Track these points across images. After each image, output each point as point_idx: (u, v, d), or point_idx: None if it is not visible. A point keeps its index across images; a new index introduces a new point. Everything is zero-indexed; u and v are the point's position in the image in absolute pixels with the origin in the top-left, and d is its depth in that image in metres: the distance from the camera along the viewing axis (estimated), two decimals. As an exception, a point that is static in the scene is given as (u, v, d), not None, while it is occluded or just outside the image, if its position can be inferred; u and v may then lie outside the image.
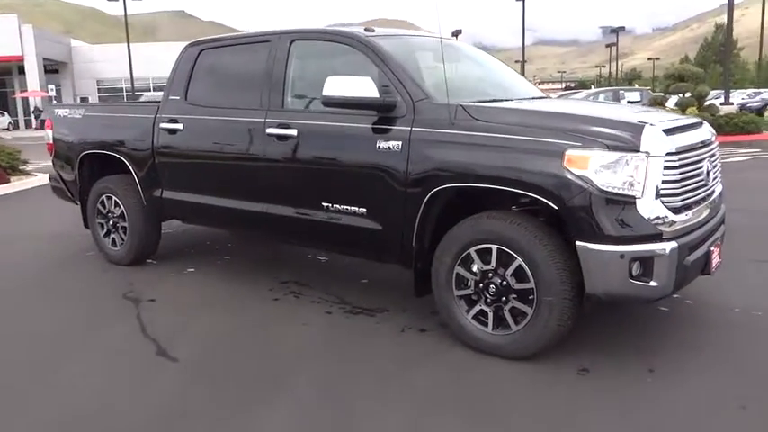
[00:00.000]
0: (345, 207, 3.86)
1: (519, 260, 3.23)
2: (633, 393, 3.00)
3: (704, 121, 3.93)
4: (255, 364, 3.42)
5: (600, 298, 3.13)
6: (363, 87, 3.57)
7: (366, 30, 4.11)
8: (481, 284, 3.40)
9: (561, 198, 3.06)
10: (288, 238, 4.53)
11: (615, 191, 3.02)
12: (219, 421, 2.82)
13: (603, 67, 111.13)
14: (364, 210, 3.78)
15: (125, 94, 45.38)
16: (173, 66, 4.93)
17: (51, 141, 5.84)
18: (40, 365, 3.46)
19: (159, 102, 5.02)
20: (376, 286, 4.72)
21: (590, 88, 48.87)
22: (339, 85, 3.59)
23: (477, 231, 3.36)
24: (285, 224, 4.22)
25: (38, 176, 12.29)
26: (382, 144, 3.62)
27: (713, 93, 21.70)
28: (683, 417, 2.79)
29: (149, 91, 41.97)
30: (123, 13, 36.93)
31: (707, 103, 18.47)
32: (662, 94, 21.91)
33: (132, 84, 33.30)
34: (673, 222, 3.12)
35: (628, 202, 3.04)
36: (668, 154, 3.13)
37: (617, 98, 21.59)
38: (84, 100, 45.21)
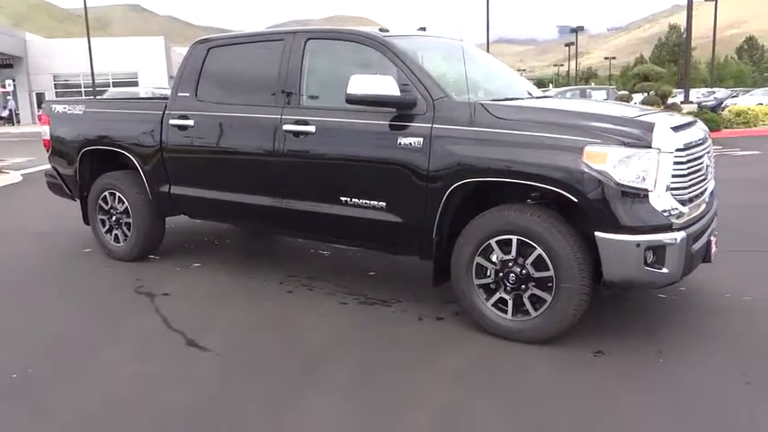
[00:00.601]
0: (364, 201, 4.00)
1: (539, 250, 3.43)
2: (647, 373, 3.22)
3: (698, 120, 4.19)
4: (286, 351, 3.54)
5: (616, 284, 3.35)
6: (386, 86, 3.71)
7: (381, 30, 4.25)
8: (501, 273, 3.59)
9: (581, 191, 3.26)
10: (304, 232, 4.64)
11: (630, 184, 3.24)
12: (269, 405, 2.93)
13: (562, 65, 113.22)
14: (384, 204, 3.93)
15: (83, 90, 44.37)
16: (181, 63, 4.98)
17: (48, 138, 5.81)
18: (74, 358, 3.50)
19: (160, 98, 5.07)
20: (384, 278, 4.88)
21: (548, 87, 49.81)
22: (363, 84, 3.73)
23: (497, 223, 3.55)
24: (301, 218, 4.33)
25: (9, 174, 12.07)
26: (403, 140, 3.77)
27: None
28: (696, 393, 3.02)
29: (109, 87, 41.21)
30: (74, 7, 35.96)
31: (670, 102, 19.11)
32: (627, 92, 22.54)
33: (93, 80, 32.57)
34: (682, 214, 3.36)
35: (642, 194, 3.26)
36: (677, 150, 3.37)
37: (584, 96, 22.18)
38: (40, 96, 44.07)
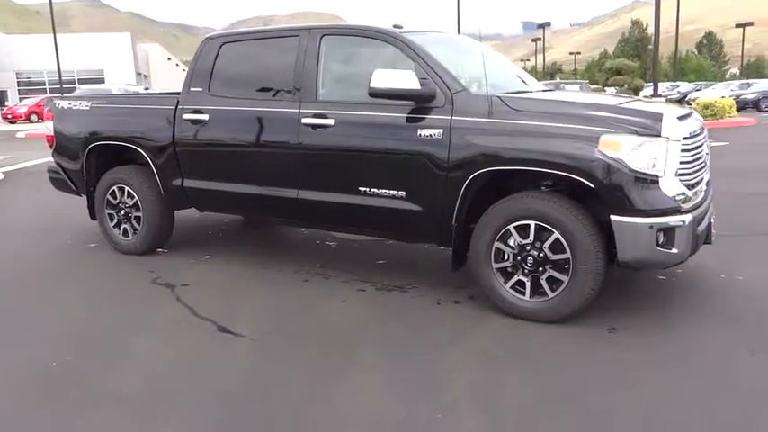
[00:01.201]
0: (384, 191, 4.16)
1: (556, 234, 3.64)
2: (659, 346, 3.46)
3: (694, 111, 4.45)
4: (317, 335, 3.69)
5: (629, 264, 3.59)
6: (406, 80, 3.88)
7: (395, 26, 4.41)
8: (519, 257, 3.79)
9: (598, 178, 3.48)
10: (320, 222, 4.77)
11: (643, 170, 3.47)
12: (315, 384, 3.08)
13: (528, 60, 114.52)
14: (403, 193, 4.10)
15: (47, 87, 43.48)
16: (192, 59, 5.07)
17: (52, 133, 5.84)
18: (109, 346, 3.60)
19: (170, 93, 5.16)
20: (394, 266, 5.04)
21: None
22: (385, 78, 3.89)
23: (516, 210, 3.75)
24: (318, 209, 4.48)
25: (-10, 172, 11.90)
26: (423, 132, 3.94)
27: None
28: (706, 362, 3.27)
29: (74, 84, 40.49)
30: (31, 3, 35.20)
31: (641, 95, 19.67)
32: (599, 86, 23.07)
33: (60, 77, 31.95)
34: (688, 198, 3.61)
35: (653, 180, 3.49)
36: (684, 138, 3.62)
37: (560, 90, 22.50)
38: (2, 93, 43.11)
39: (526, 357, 3.37)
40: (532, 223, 3.71)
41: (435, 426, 2.71)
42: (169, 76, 60.93)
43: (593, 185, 3.51)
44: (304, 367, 3.28)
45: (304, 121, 4.37)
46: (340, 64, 4.57)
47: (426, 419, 2.76)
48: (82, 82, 41.04)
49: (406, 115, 4.03)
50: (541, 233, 3.71)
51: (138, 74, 48.10)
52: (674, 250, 3.52)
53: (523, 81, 5.05)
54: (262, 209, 4.87)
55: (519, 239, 3.77)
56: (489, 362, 3.32)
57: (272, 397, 2.98)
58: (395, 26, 4.42)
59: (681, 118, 3.76)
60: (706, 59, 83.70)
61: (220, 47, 4.93)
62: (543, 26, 49.80)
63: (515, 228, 3.77)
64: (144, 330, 3.84)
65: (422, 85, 3.92)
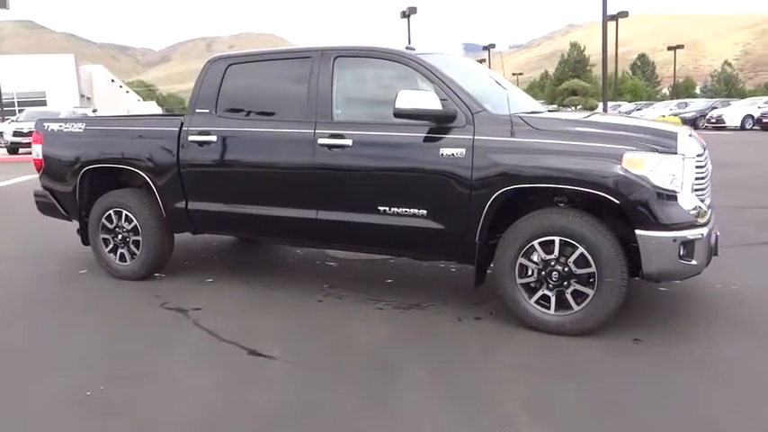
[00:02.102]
0: (405, 209, 4.21)
1: (581, 249, 3.76)
2: (682, 354, 3.61)
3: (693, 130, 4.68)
4: (351, 355, 3.69)
5: (653, 276, 3.74)
6: (429, 100, 3.97)
7: (407, 48, 4.50)
8: (543, 272, 3.89)
9: (623, 194, 3.62)
10: (337, 242, 4.75)
11: (664, 186, 3.63)
12: (367, 403, 3.09)
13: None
14: (425, 211, 4.15)
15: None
16: (196, 80, 5.02)
17: (40, 157, 5.66)
18: (140, 372, 3.51)
19: (173, 114, 5.09)
20: (402, 285, 5.07)
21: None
22: (409, 98, 3.96)
23: (540, 226, 3.85)
24: (336, 229, 4.49)
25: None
26: (446, 151, 4.02)
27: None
28: (730, 365, 3.45)
29: (14, 107, 39.12)
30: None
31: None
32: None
33: (0, 99, 30.80)
34: (703, 212, 3.79)
35: (673, 196, 3.66)
36: (697, 155, 3.81)
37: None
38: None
39: (563, 369, 3.45)
40: (557, 239, 3.82)
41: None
42: (113, 98, 59.42)
43: (618, 201, 3.64)
44: (350, 387, 3.27)
45: (320, 141, 4.39)
46: (355, 85, 4.63)
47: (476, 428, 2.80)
48: (23, 105, 39.60)
49: (427, 135, 4.10)
50: (565, 248, 3.82)
51: (82, 96, 46.74)
52: (694, 262, 3.68)
53: (533, 103, 5.21)
54: (276, 230, 4.83)
55: (543, 255, 3.87)
56: (529, 375, 3.39)
57: (330, 417, 2.97)
58: (407, 48, 4.51)
59: (690, 136, 3.96)
60: (641, 80, 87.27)
61: (226, 68, 4.91)
62: (489, 48, 51.09)
63: (540, 243, 3.87)
64: (172, 356, 3.75)
65: (443, 105, 4.01)
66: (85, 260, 5.97)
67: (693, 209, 3.73)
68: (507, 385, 3.27)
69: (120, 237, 5.36)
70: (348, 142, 4.32)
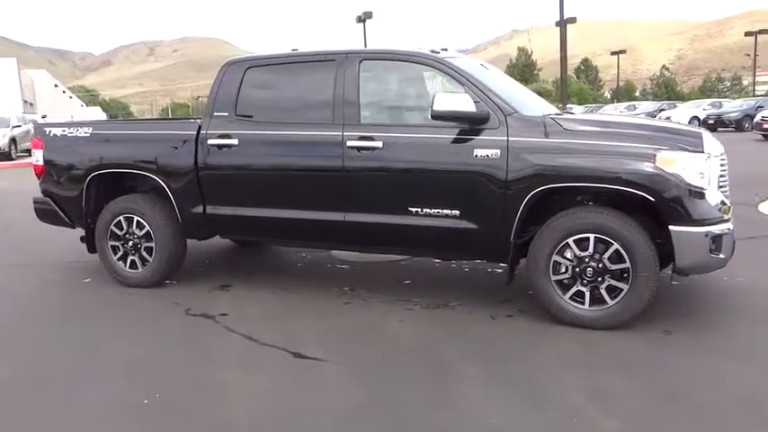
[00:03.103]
0: (437, 210, 4.27)
1: (616, 245, 3.89)
2: (718, 345, 3.79)
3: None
4: (398, 355, 3.73)
5: (685, 270, 3.91)
6: (464, 102, 4.04)
7: (432, 51, 4.57)
8: (577, 269, 4.01)
9: (658, 192, 3.77)
10: (370, 243, 4.76)
11: (694, 183, 3.80)
12: (433, 403, 3.13)
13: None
14: (457, 212, 4.22)
15: None
16: (213, 83, 4.97)
17: (42, 163, 5.49)
18: (191, 378, 3.46)
19: (189, 118, 5.02)
20: (423, 285, 5.13)
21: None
22: (446, 101, 4.02)
23: (575, 224, 3.97)
24: (366, 230, 4.51)
25: None
26: (480, 152, 4.10)
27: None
28: (758, 350, 3.64)
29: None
30: None
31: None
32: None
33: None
34: (727, 208, 3.98)
35: (701, 193, 3.83)
36: (720, 154, 4.00)
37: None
38: None
39: (609, 362, 3.57)
40: (592, 236, 3.95)
41: (579, 428, 2.84)
42: (56, 104, 57.37)
43: (653, 199, 3.79)
44: (411, 386, 3.31)
45: (349, 143, 4.41)
46: (381, 87, 4.67)
47: (565, 424, 2.88)
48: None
49: (460, 137, 4.18)
50: (598, 245, 3.95)
51: (25, 102, 44.94)
52: (722, 255, 3.87)
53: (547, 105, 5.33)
54: (301, 232, 4.81)
55: (578, 252, 3.99)
56: (578, 368, 3.49)
57: (403, 415, 3.00)
58: (432, 51, 4.57)
59: (711, 137, 4.15)
60: (585, 84, 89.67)
61: (245, 71, 4.87)
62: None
63: (574, 241, 3.99)
64: (218, 361, 3.71)
65: (476, 107, 4.09)
66: (87, 268, 5.84)
67: (718, 205, 3.92)
68: (561, 378, 3.36)
69: (130, 243, 5.24)
70: (378, 144, 4.35)
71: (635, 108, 35.16)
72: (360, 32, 37.90)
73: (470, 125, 4.15)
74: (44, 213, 5.68)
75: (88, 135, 5.31)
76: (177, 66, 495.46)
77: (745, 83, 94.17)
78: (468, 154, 4.14)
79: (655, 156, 3.80)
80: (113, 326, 4.42)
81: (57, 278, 5.71)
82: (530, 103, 4.61)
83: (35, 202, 5.71)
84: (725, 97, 55.98)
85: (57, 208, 5.53)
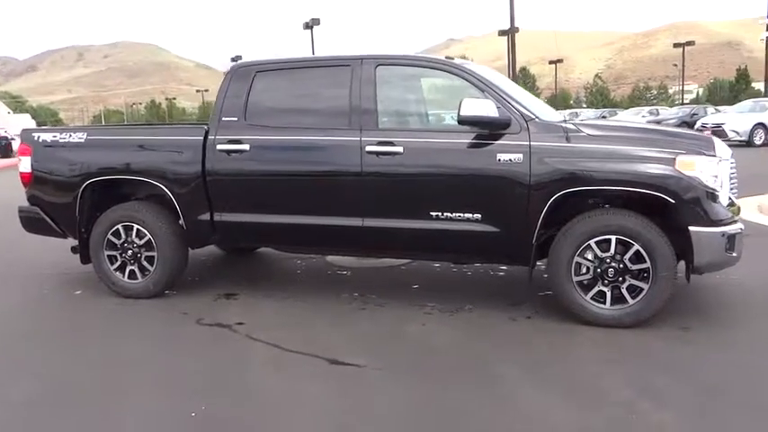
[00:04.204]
0: (458, 214, 4.30)
1: (636, 246, 4.02)
2: (733, 340, 3.96)
3: None
4: (435, 359, 3.73)
5: (703, 269, 4.07)
6: (488, 108, 4.10)
7: (447, 57, 4.61)
8: (599, 269, 4.11)
9: (678, 194, 3.91)
10: (388, 248, 4.74)
11: (710, 185, 3.97)
12: (487, 405, 3.15)
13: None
14: (479, 215, 4.27)
15: None
16: (219, 88, 4.86)
17: (29, 170, 5.23)
18: (229, 388, 3.36)
19: (194, 123, 4.90)
20: (429, 290, 5.13)
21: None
22: (472, 106, 4.07)
23: (597, 226, 4.08)
24: (385, 235, 4.50)
25: None
26: (503, 157, 4.16)
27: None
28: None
29: None
30: None
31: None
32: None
33: None
34: (736, 208, 4.18)
35: (715, 194, 4.00)
36: (731, 157, 4.20)
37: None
38: None
39: (643, 359, 3.67)
40: (613, 237, 4.06)
41: (640, 423, 2.92)
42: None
43: (673, 201, 3.94)
44: (459, 390, 3.32)
45: (368, 148, 4.40)
46: (398, 93, 4.68)
47: (624, 420, 2.95)
48: None
49: (481, 141, 4.23)
50: (621, 246, 4.06)
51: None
52: (734, 254, 4.05)
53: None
54: (317, 238, 4.75)
55: (599, 253, 4.10)
56: (615, 365, 3.58)
57: (462, 418, 3.01)
58: (447, 57, 4.62)
59: (720, 142, 4.35)
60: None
61: (254, 75, 4.79)
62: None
63: (596, 242, 4.09)
64: (253, 371, 3.63)
65: (499, 113, 4.15)
66: (73, 281, 5.64)
67: (729, 206, 4.10)
68: (601, 376, 3.43)
69: (130, 253, 5.05)
70: (399, 149, 4.35)
71: (577, 115, 36.32)
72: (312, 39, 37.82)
73: (492, 130, 4.21)
74: (31, 222, 5.41)
75: (83, 141, 5.10)
76: (109, 71, 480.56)
77: (670, 91, 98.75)
78: (490, 158, 4.20)
79: (674, 159, 3.95)
80: (127, 338, 4.25)
81: (46, 291, 5.45)
82: (543, 108, 4.70)
83: (21, 211, 5.44)
84: (652, 105, 58.53)
85: (46, 217, 5.28)
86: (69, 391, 3.42)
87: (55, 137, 5.19)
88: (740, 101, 57.61)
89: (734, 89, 75.39)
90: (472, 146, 4.26)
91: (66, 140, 5.14)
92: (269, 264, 6.31)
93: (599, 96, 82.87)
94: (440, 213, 4.34)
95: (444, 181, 4.34)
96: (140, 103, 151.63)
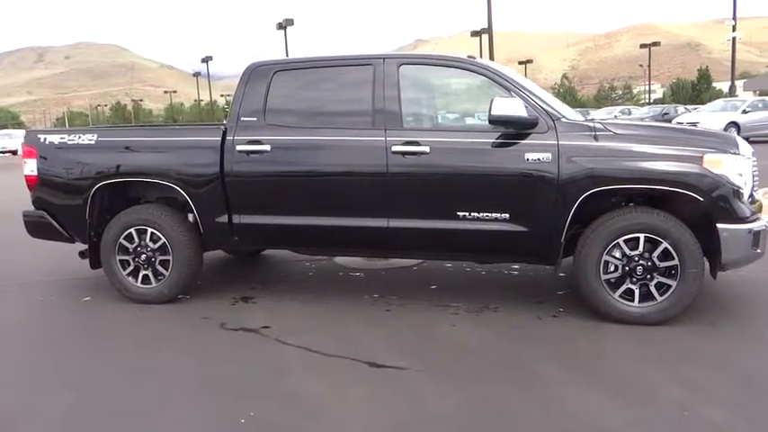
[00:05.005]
0: (486, 214, 4.30)
1: (665, 243, 4.06)
2: (761, 334, 4.03)
3: None
4: (475, 360, 3.72)
5: (728, 265, 4.13)
6: (517, 107, 4.10)
7: (469, 56, 4.60)
8: (627, 267, 4.15)
9: (707, 192, 3.97)
10: (413, 248, 4.71)
11: (736, 183, 4.03)
12: (538, 405, 3.14)
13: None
14: (507, 215, 4.27)
15: None
16: (237, 87, 4.78)
17: (35, 173, 5.08)
18: (274, 392, 3.30)
19: (211, 124, 4.81)
20: (452, 290, 5.12)
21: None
22: (503, 106, 4.07)
23: (626, 224, 4.11)
24: (411, 236, 4.47)
25: None
26: (531, 156, 4.17)
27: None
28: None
29: None
30: None
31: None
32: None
33: None
34: (760, 205, 4.25)
35: (741, 192, 4.07)
36: (752, 155, 4.27)
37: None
38: None
39: (679, 354, 3.70)
40: (642, 235, 4.10)
41: (695, 419, 2.94)
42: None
43: (702, 199, 3.99)
44: (505, 390, 3.31)
45: (394, 148, 4.36)
46: (422, 92, 4.65)
47: (677, 417, 2.97)
48: None
49: (509, 141, 4.23)
50: (650, 244, 4.10)
51: None
52: (759, 250, 4.12)
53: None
54: (340, 240, 4.70)
55: (627, 251, 4.13)
56: (652, 362, 3.59)
57: (514, 421, 3.00)
58: (469, 56, 4.61)
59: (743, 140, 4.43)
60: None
61: (272, 75, 4.72)
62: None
63: (624, 241, 4.12)
64: (292, 375, 3.56)
65: (527, 112, 4.16)
66: (78, 286, 5.54)
67: (752, 203, 4.18)
68: (642, 373, 3.45)
69: (143, 257, 4.94)
70: (425, 149, 4.33)
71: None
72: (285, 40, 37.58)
73: (521, 129, 4.21)
74: (37, 227, 5.25)
75: (93, 142, 4.96)
76: (70, 73, 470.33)
77: (635, 91, 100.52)
78: (518, 158, 4.20)
79: (702, 158, 4.00)
80: (153, 345, 4.15)
81: (53, 298, 5.29)
82: (566, 108, 4.73)
83: (25, 215, 5.27)
84: (618, 105, 59.56)
85: (53, 221, 5.13)
86: (109, 401, 3.31)
87: (63, 138, 5.04)
88: (702, 100, 59.01)
89: (696, 89, 77.05)
90: (500, 145, 4.26)
91: (76, 142, 5.00)
92: (277, 266, 6.23)
93: (568, 96, 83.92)
94: (467, 213, 4.33)
95: (471, 181, 4.33)
96: (105, 105, 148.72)
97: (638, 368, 3.53)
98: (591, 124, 4.24)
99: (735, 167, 4.04)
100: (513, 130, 4.23)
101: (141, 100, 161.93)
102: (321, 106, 4.70)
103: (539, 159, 4.17)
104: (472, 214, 4.32)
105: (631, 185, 4.11)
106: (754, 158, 4.34)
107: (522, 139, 4.22)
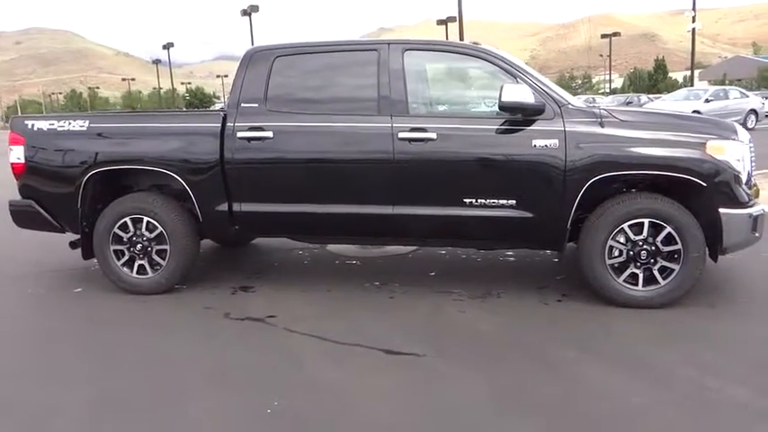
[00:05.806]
0: (492, 200, 4.31)
1: (668, 228, 4.14)
2: (759, 313, 4.15)
3: None
4: (492, 345, 3.75)
5: (729, 249, 4.23)
6: (525, 94, 4.11)
7: (474, 43, 4.59)
8: (631, 252, 4.21)
9: (710, 177, 4.05)
10: (418, 235, 4.68)
11: (737, 169, 4.12)
12: (565, 389, 3.18)
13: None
14: (513, 201, 4.29)
15: None
16: (236, 73, 4.68)
17: (22, 161, 4.90)
18: (296, 383, 3.27)
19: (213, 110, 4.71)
20: (447, 276, 5.15)
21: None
22: (513, 92, 4.07)
23: (631, 210, 4.17)
24: (417, 222, 4.45)
25: None
26: (538, 142, 4.19)
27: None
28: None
29: None
30: None
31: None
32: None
33: None
34: (757, 190, 4.36)
35: (740, 178, 4.17)
36: (750, 142, 4.37)
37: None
38: None
39: (689, 336, 3.79)
40: (646, 221, 4.16)
41: (714, 398, 3.01)
42: None
43: (705, 184, 4.07)
44: (525, 374, 3.34)
45: (400, 135, 4.33)
46: (427, 79, 4.61)
47: (700, 396, 3.04)
48: None
49: (516, 127, 4.24)
50: (654, 229, 4.17)
51: None
52: (757, 234, 4.23)
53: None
54: (344, 227, 4.65)
55: (632, 236, 4.19)
56: (666, 343, 3.67)
57: (541, 403, 3.03)
58: (474, 43, 4.60)
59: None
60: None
61: (273, 60, 4.63)
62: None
63: (629, 226, 4.19)
64: (309, 364, 3.53)
65: (535, 98, 4.17)
66: (67, 277, 5.41)
67: (750, 188, 4.28)
68: (657, 354, 3.51)
69: (139, 247, 4.81)
70: (432, 136, 4.31)
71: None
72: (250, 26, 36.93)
73: (528, 116, 4.22)
74: (24, 217, 5.06)
75: (84, 129, 4.80)
76: (21, 59, 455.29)
77: (594, 81, 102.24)
78: (525, 144, 4.22)
79: (705, 144, 4.08)
80: (160, 336, 4.05)
81: (43, 291, 5.11)
82: (568, 95, 4.76)
83: (12, 205, 5.08)
84: (578, 94, 60.46)
85: (42, 210, 4.95)
86: (130, 393, 3.23)
87: (52, 125, 4.86)
88: (659, 89, 60.19)
89: (652, 78, 78.75)
90: (506, 132, 4.27)
91: (65, 129, 4.83)
92: (270, 255, 6.14)
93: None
94: (473, 200, 4.33)
95: (478, 167, 4.33)
96: (59, 93, 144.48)
97: (651, 349, 3.59)
98: (596, 111, 4.28)
99: (735, 153, 4.13)
100: (521, 117, 4.24)
101: (98, 87, 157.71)
102: (325, 92, 4.63)
103: (546, 146, 4.19)
104: (479, 201, 4.33)
105: (637, 171, 4.16)
106: (752, 144, 4.44)
107: (529, 126, 4.24)
